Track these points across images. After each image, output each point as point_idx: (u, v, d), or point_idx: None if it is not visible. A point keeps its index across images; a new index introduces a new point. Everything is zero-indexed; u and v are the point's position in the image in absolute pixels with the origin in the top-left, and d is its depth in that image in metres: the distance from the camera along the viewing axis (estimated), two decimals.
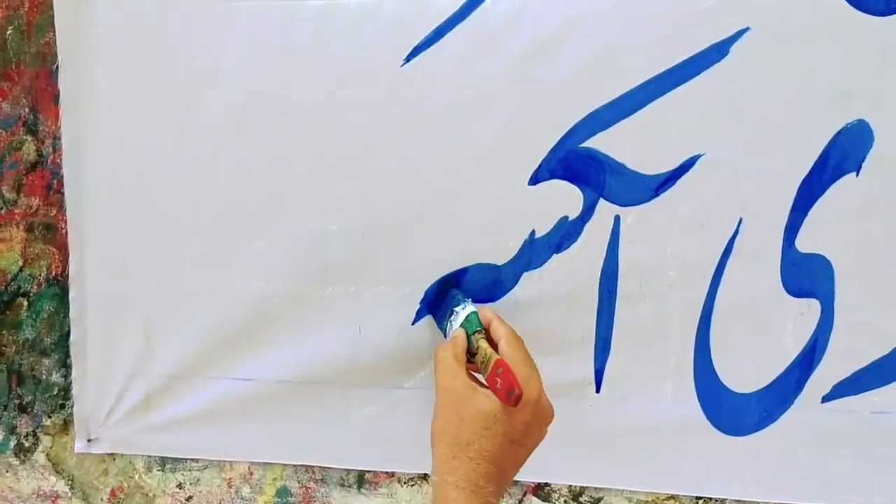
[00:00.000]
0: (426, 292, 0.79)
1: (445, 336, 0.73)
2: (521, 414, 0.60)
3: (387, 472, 0.83)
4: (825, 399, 0.74)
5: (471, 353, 0.67)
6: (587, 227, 0.76)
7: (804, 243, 0.73)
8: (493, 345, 0.67)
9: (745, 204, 0.74)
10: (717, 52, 0.72)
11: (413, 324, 0.80)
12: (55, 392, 0.87)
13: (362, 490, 0.84)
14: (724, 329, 0.75)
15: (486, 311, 0.71)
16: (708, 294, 0.75)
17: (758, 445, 0.76)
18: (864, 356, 0.74)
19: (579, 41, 0.74)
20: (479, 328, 0.68)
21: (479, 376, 0.66)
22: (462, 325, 0.69)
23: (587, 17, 0.74)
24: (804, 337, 0.74)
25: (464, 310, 0.71)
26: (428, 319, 0.79)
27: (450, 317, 0.72)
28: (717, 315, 0.75)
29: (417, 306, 0.80)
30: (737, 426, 0.76)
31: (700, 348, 0.75)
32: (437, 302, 0.78)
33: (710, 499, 0.78)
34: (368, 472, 0.84)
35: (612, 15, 0.73)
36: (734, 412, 0.76)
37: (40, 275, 0.86)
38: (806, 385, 0.75)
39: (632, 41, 0.73)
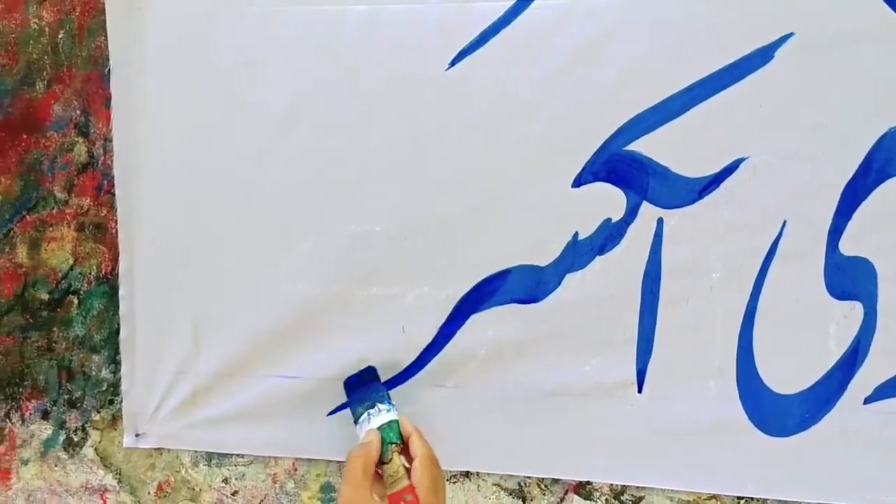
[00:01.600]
0: (349, 377, 0.83)
1: (356, 422, 0.77)
2: None
3: None
4: (867, 400, 0.77)
5: (381, 462, 0.71)
6: (630, 229, 0.78)
7: (848, 246, 0.75)
8: (410, 459, 0.71)
9: (789, 207, 0.76)
10: (762, 56, 0.75)
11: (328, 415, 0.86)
12: (104, 388, 0.91)
13: None
14: (767, 331, 0.77)
15: (408, 423, 0.74)
16: (751, 296, 0.77)
17: (800, 446, 0.78)
18: None
19: (623, 46, 0.77)
20: (397, 440, 0.72)
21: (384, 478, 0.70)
22: (380, 429, 0.73)
23: (631, 22, 0.76)
24: (847, 339, 0.76)
25: (388, 412, 0.75)
26: (475, 319, 0.82)
27: (369, 408, 0.76)
28: (760, 317, 0.77)
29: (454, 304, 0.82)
30: (779, 427, 0.78)
31: (743, 349, 0.78)
32: (358, 383, 0.81)
33: (752, 499, 0.80)
34: None
35: (656, 20, 0.76)
36: (776, 413, 0.78)
37: (90, 273, 0.89)
38: (848, 387, 0.77)
39: (676, 45, 0.76)
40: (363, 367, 0.83)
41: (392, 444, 0.72)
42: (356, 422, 0.77)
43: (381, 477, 0.71)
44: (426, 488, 0.67)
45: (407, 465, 0.71)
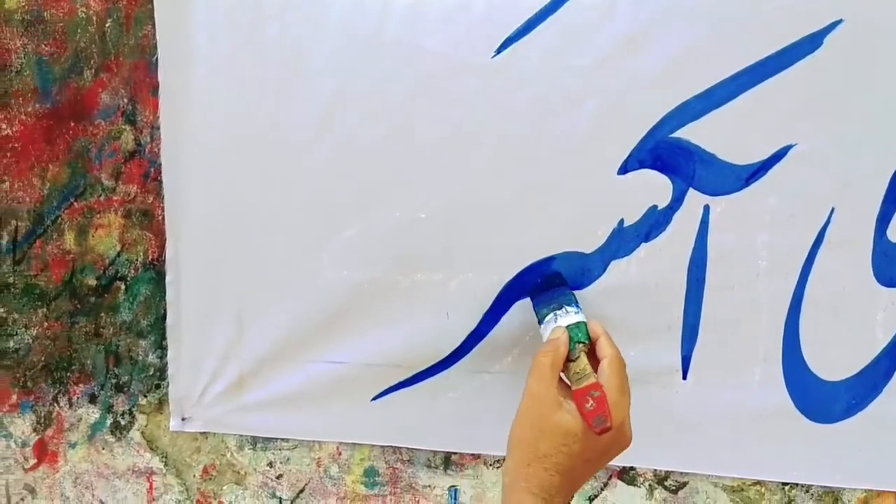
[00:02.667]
0: (530, 283, 0.83)
1: (540, 323, 0.77)
2: (601, 437, 0.64)
3: (473, 454, 0.88)
4: None
5: (568, 360, 0.70)
6: (676, 216, 0.80)
7: None
8: (594, 361, 0.70)
9: (837, 194, 0.77)
10: (811, 43, 0.75)
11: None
12: (151, 372, 0.94)
13: (448, 471, 0.89)
14: (813, 318, 0.78)
15: (597, 325, 0.72)
16: (798, 283, 0.78)
17: (845, 433, 0.79)
18: None
19: (670, 32, 0.77)
20: (585, 340, 0.71)
21: (566, 379, 0.69)
22: (568, 328, 0.72)
23: (678, 8, 0.77)
24: (894, 326, 0.77)
25: (576, 314, 0.73)
26: (520, 306, 0.83)
27: (555, 309, 0.75)
28: (807, 304, 0.78)
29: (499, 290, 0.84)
30: (825, 413, 0.79)
31: (789, 337, 0.79)
32: (542, 290, 0.81)
33: (797, 485, 0.82)
34: (455, 453, 0.89)
35: (704, 6, 0.76)
36: (822, 400, 0.79)
37: (137, 259, 0.92)
38: (895, 374, 0.78)
39: (723, 32, 0.77)
40: (549, 272, 0.82)
41: (579, 343, 0.70)
42: (541, 322, 0.76)
43: (567, 375, 0.70)
44: (614, 387, 0.66)
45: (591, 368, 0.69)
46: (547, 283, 0.82)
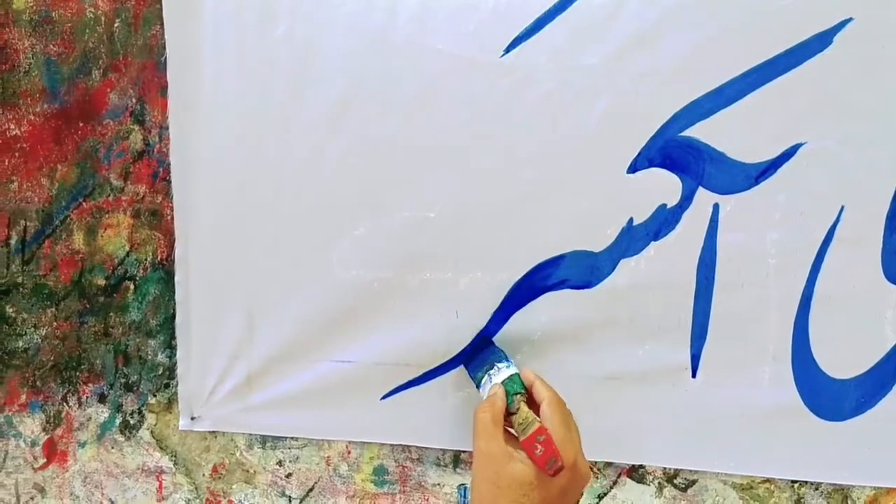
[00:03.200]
0: (463, 350, 0.85)
1: (478, 387, 0.78)
2: (558, 479, 0.64)
3: None
4: None
5: (508, 413, 0.71)
6: (685, 214, 0.80)
7: None
8: (534, 406, 0.71)
9: (847, 192, 0.77)
10: (820, 41, 0.76)
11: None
12: (160, 372, 0.94)
13: (458, 469, 0.90)
14: (823, 316, 0.79)
15: (529, 372, 0.74)
16: (807, 281, 0.79)
17: (855, 430, 0.80)
18: None
19: (679, 31, 0.78)
20: (521, 390, 0.73)
21: (514, 432, 0.70)
22: (503, 384, 0.73)
23: (687, 7, 0.77)
24: None
25: (507, 368, 0.75)
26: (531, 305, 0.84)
27: (488, 370, 0.77)
28: (817, 302, 0.79)
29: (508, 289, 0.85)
30: (834, 411, 0.80)
31: (798, 335, 0.80)
32: (472, 356, 0.83)
33: (806, 482, 0.82)
34: (464, 452, 0.90)
35: (714, 4, 0.77)
36: (832, 398, 0.80)
37: (146, 259, 0.92)
38: None
39: (733, 30, 0.77)
40: (474, 340, 0.84)
41: (516, 394, 0.72)
42: (478, 387, 0.78)
43: (511, 431, 0.70)
44: (558, 427, 0.66)
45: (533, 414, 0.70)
46: (475, 349, 0.84)
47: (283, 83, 0.85)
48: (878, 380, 0.79)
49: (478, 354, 0.83)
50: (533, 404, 0.72)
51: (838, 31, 0.76)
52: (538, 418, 0.68)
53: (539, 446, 0.65)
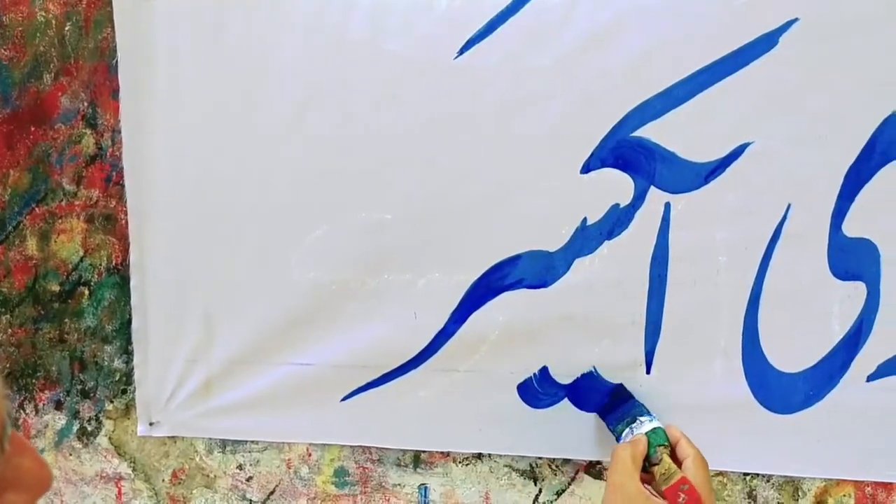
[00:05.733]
0: (601, 399, 0.86)
1: (618, 439, 0.80)
2: None
3: (442, 452, 0.91)
4: (870, 378, 0.81)
5: (648, 463, 0.74)
6: (638, 213, 0.83)
7: (851, 228, 0.80)
8: (677, 462, 0.74)
9: (794, 190, 0.80)
10: (767, 42, 0.79)
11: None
12: (117, 378, 0.95)
13: (418, 469, 0.92)
14: (771, 312, 0.82)
15: (675, 429, 0.77)
16: (756, 278, 0.82)
17: (804, 423, 0.83)
18: None
19: (631, 33, 0.80)
20: (665, 443, 0.75)
21: (649, 487, 0.73)
22: (647, 434, 0.76)
23: (638, 9, 0.80)
24: (850, 318, 0.81)
25: (651, 422, 0.78)
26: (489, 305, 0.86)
27: (630, 423, 0.79)
28: (766, 298, 0.82)
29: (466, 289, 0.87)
30: (784, 405, 0.83)
31: (748, 330, 0.82)
32: (611, 407, 0.84)
33: (758, 475, 0.86)
34: (424, 452, 0.91)
35: (663, 7, 0.79)
36: (781, 391, 0.83)
37: (101, 264, 0.93)
38: (851, 365, 0.81)
39: (682, 32, 0.80)
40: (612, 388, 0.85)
41: (660, 445, 0.75)
42: (619, 440, 0.79)
43: (647, 482, 0.73)
44: (702, 482, 0.70)
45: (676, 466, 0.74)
46: (614, 399, 0.85)
47: (238, 85, 0.86)
48: (825, 373, 0.82)
49: (618, 406, 0.84)
50: (675, 460, 0.74)
51: (784, 32, 0.78)
52: (681, 471, 0.72)
53: (682, 495, 0.69)
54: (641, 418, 0.79)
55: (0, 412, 0.36)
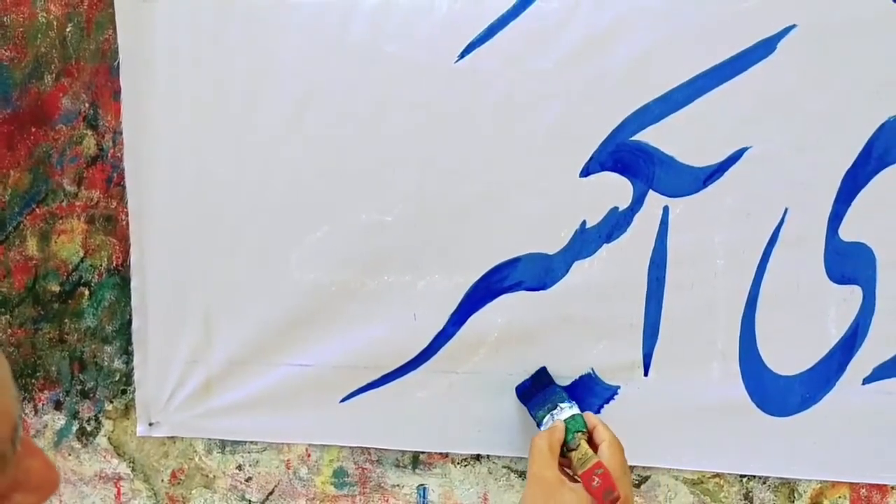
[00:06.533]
0: (522, 382, 0.87)
1: (539, 425, 0.81)
2: None
3: (441, 453, 0.92)
4: (866, 381, 0.83)
5: (567, 449, 0.76)
6: (637, 217, 0.84)
7: (847, 232, 0.81)
8: (593, 447, 0.76)
9: (791, 195, 0.81)
10: (765, 48, 0.80)
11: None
12: (117, 378, 0.96)
13: (417, 470, 0.93)
14: (768, 314, 0.83)
15: (591, 415, 0.80)
16: (754, 281, 0.83)
17: (800, 426, 0.84)
18: None
19: (630, 37, 0.81)
20: (582, 429, 0.77)
21: (570, 470, 0.75)
22: (565, 421, 0.78)
23: (638, 14, 0.81)
24: (846, 322, 0.82)
25: (570, 408, 0.80)
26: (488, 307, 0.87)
27: (550, 409, 0.81)
28: (763, 301, 0.83)
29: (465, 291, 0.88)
30: (780, 407, 0.84)
31: (745, 333, 0.84)
32: (532, 392, 0.85)
33: (754, 477, 0.87)
34: (423, 453, 0.92)
35: (663, 12, 0.80)
36: (778, 394, 0.84)
37: (101, 265, 0.94)
38: (847, 368, 0.82)
39: (681, 37, 0.81)
40: (533, 371, 0.87)
41: (577, 432, 0.77)
42: (539, 425, 0.81)
43: (567, 466, 0.76)
44: (616, 466, 0.72)
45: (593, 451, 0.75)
46: (535, 383, 0.86)
47: (239, 87, 0.87)
48: (821, 376, 0.83)
49: (538, 392, 0.85)
50: (592, 446, 0.76)
51: (782, 38, 0.79)
52: (597, 456, 0.74)
53: (596, 478, 0.70)
54: (562, 405, 0.80)
55: (12, 414, 0.37)
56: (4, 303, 0.95)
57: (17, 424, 0.37)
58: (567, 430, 0.77)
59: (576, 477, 0.74)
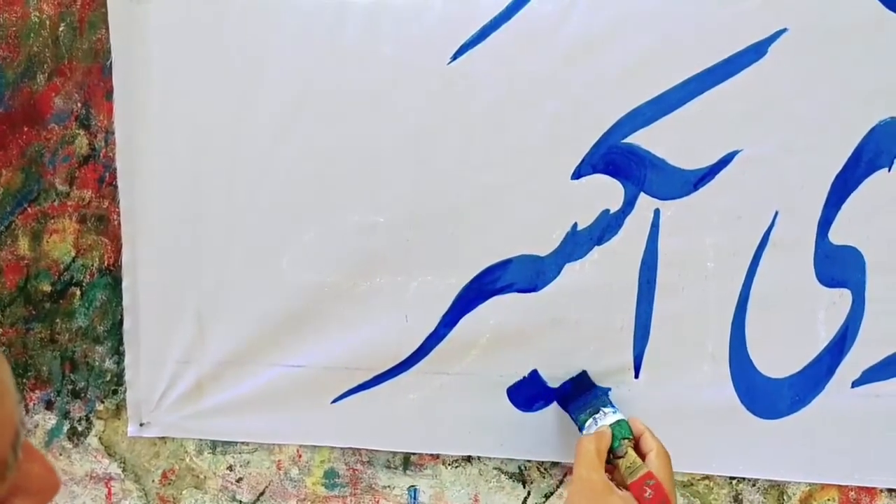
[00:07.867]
0: (562, 385, 0.87)
1: (581, 430, 0.81)
2: None
3: (431, 455, 0.92)
4: (855, 384, 0.83)
5: (612, 455, 0.75)
6: (628, 219, 0.84)
7: (837, 236, 0.82)
8: (641, 455, 0.75)
9: (781, 198, 0.82)
10: (756, 51, 0.81)
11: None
12: (108, 378, 0.96)
13: (408, 472, 0.93)
14: (758, 317, 0.84)
15: (638, 422, 0.78)
16: (744, 284, 0.83)
17: (790, 428, 0.84)
18: (894, 343, 0.83)
19: (623, 40, 0.82)
20: (629, 436, 0.76)
21: (617, 475, 0.74)
22: (611, 426, 0.77)
23: (631, 17, 0.81)
24: (836, 325, 0.83)
25: (614, 414, 0.79)
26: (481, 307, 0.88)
27: (593, 413, 0.80)
28: (753, 304, 0.84)
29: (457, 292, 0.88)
30: (770, 410, 0.85)
31: (735, 336, 0.84)
32: (573, 395, 0.86)
33: (744, 479, 0.87)
34: (414, 454, 0.93)
35: (655, 15, 0.81)
36: (767, 396, 0.84)
37: (93, 265, 0.94)
38: (837, 371, 0.83)
39: (673, 40, 0.81)
40: (574, 373, 0.86)
41: (624, 438, 0.75)
42: (581, 429, 0.80)
43: (610, 472, 0.74)
44: (666, 478, 0.71)
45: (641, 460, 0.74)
46: (576, 387, 0.86)
47: (232, 87, 0.88)
48: (811, 379, 0.84)
49: (581, 395, 0.85)
50: (638, 454, 0.75)
51: (773, 42, 0.80)
52: (646, 465, 0.73)
53: (648, 490, 0.70)
54: (605, 409, 0.80)
55: (14, 419, 0.37)
56: None
57: (18, 430, 0.37)
58: (613, 437, 0.76)
59: (623, 485, 0.73)
